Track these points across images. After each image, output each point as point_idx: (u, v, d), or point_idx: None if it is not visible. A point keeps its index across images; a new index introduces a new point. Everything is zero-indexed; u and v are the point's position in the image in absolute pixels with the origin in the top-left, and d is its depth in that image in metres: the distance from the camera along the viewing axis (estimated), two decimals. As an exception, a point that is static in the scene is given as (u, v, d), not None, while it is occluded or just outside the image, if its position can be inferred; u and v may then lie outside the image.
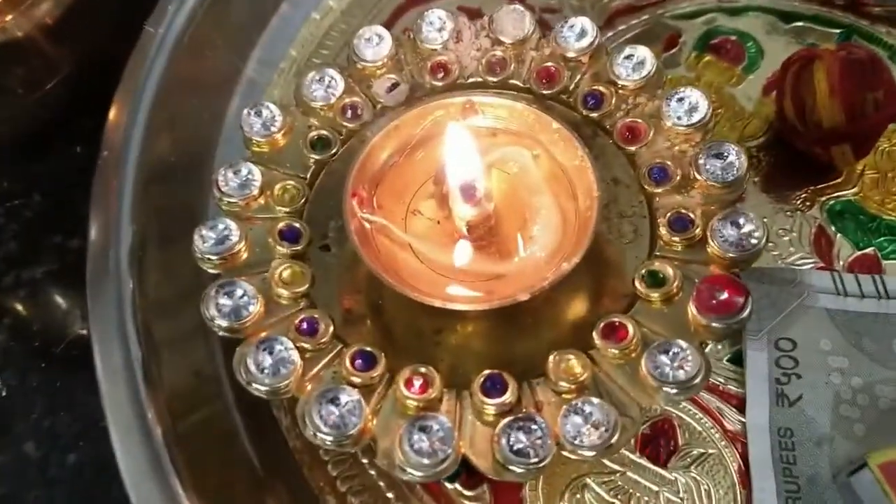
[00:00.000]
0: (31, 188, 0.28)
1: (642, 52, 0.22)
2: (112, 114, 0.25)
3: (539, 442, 0.17)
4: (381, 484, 0.22)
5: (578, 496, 0.21)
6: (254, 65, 0.28)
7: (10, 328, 0.26)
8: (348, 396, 0.17)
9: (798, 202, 0.25)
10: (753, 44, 0.28)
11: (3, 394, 0.25)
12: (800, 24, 0.28)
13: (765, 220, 0.23)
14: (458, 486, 0.21)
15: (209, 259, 0.20)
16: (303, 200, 0.21)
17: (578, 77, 0.22)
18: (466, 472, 0.21)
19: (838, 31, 0.28)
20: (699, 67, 0.28)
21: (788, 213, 0.24)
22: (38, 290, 0.27)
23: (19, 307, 0.27)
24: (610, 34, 0.28)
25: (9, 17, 0.26)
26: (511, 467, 0.17)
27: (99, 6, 0.28)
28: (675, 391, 0.18)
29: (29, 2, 0.26)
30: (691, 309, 0.18)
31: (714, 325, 0.18)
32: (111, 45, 0.26)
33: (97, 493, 0.23)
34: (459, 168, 0.19)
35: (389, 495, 0.21)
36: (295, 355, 0.18)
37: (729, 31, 0.28)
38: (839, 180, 0.25)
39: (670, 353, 0.17)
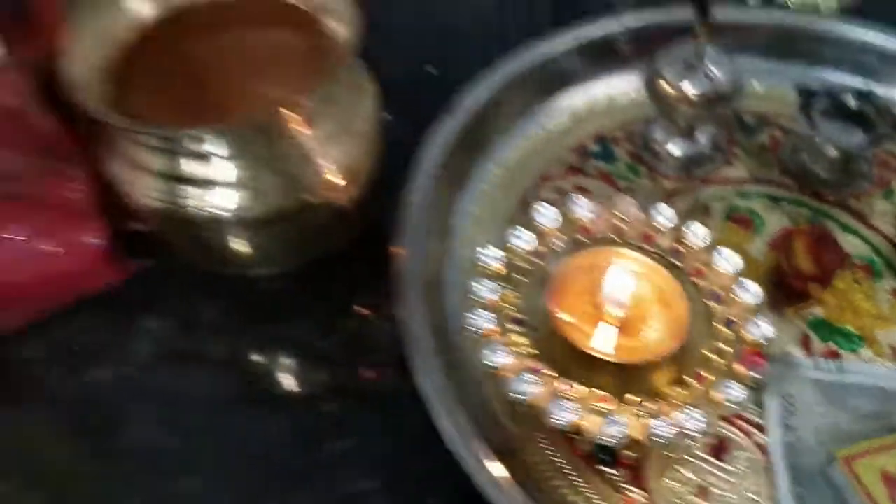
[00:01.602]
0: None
1: (703, 229, 0.39)
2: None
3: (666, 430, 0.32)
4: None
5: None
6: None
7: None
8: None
9: (790, 316, 0.41)
10: (758, 217, 0.45)
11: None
12: (787, 204, 0.46)
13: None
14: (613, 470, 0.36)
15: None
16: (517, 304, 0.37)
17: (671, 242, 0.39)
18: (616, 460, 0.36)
19: (809, 210, 0.45)
20: (726, 232, 0.45)
21: (785, 322, 0.41)
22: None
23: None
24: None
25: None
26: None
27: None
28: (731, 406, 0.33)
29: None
30: (739, 369, 0.34)
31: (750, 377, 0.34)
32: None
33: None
34: (613, 288, 0.36)
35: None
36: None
37: (742, 208, 0.46)
38: (813, 303, 0.41)
39: (729, 388, 0.33)
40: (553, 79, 0.49)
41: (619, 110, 0.50)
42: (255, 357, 0.41)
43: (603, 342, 0.36)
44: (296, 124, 0.36)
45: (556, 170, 0.47)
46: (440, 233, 0.43)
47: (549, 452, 0.36)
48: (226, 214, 0.36)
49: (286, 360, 0.41)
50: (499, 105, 0.47)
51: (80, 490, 0.37)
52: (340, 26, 0.37)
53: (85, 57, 0.36)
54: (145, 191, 0.36)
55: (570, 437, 0.36)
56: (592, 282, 0.37)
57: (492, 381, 0.36)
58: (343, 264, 0.43)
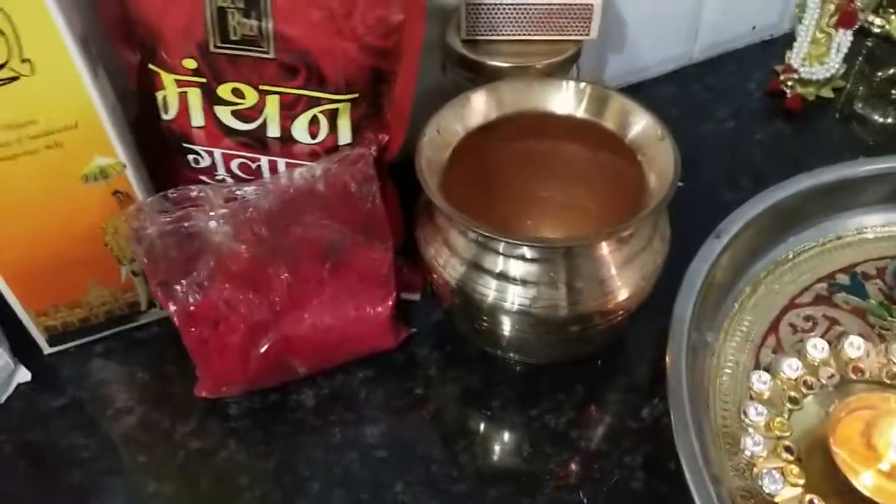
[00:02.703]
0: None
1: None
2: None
3: None
4: None
5: None
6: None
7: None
8: None
9: None
10: None
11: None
12: None
13: None
14: None
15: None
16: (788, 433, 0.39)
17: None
18: None
19: None
20: None
21: None
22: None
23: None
24: None
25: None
26: None
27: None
28: None
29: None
30: None
31: None
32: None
33: None
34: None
35: None
36: None
37: None
38: None
39: None
40: (807, 207, 0.51)
41: (870, 244, 0.51)
42: (511, 433, 0.44)
43: (874, 485, 0.36)
44: (609, 244, 0.39)
45: (806, 297, 0.48)
46: (698, 348, 0.45)
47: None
48: (517, 309, 0.40)
49: (538, 442, 0.43)
50: (758, 229, 0.49)
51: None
52: (655, 162, 0.41)
53: (431, 152, 0.41)
54: (452, 272, 0.41)
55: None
56: (869, 423, 0.38)
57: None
58: (597, 362, 0.46)
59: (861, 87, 0.66)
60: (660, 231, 0.42)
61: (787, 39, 0.68)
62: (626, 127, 0.43)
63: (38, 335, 0.45)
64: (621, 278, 0.40)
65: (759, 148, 0.61)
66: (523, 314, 0.40)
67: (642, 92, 0.66)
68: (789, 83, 0.64)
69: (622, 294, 0.40)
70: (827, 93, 0.64)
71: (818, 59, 0.63)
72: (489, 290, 0.40)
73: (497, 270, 0.40)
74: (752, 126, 0.63)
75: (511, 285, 0.39)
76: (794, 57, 0.63)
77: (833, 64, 0.62)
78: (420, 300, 0.49)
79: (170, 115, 0.43)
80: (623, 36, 0.63)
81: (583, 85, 0.44)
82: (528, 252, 0.39)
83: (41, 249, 0.42)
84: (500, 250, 0.39)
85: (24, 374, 0.45)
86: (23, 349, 0.46)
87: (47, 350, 0.46)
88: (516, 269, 0.39)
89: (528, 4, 0.48)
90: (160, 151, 0.45)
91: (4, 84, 0.36)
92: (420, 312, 0.48)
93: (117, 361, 0.46)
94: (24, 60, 0.36)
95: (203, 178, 0.45)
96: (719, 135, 0.62)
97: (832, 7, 0.62)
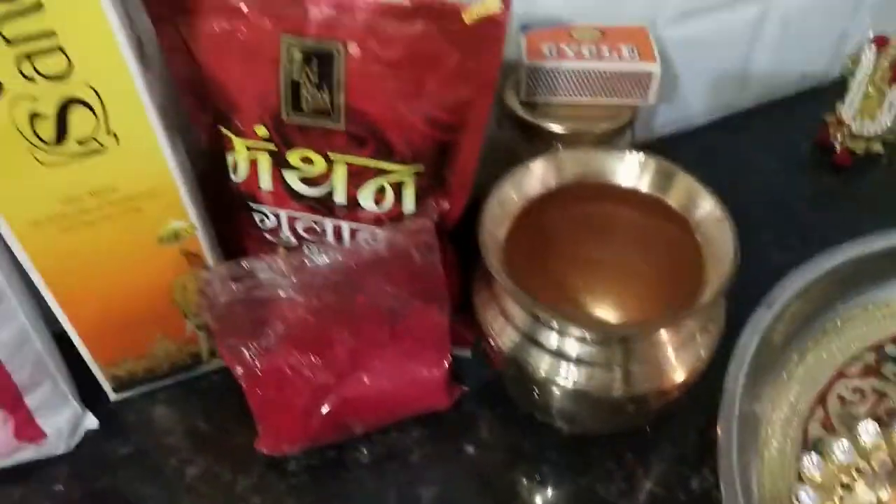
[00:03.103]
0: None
1: None
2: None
3: None
4: None
5: None
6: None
7: None
8: None
9: None
10: None
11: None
12: None
13: None
14: None
15: None
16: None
17: None
18: None
19: None
20: None
21: None
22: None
23: None
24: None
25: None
26: None
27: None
28: None
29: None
30: None
31: None
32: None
33: None
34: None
35: None
36: None
37: None
38: None
39: None
40: (856, 275, 0.51)
41: (919, 314, 0.51)
42: (562, 500, 0.45)
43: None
44: (666, 330, 0.40)
45: (854, 368, 0.49)
46: (747, 419, 0.45)
47: None
48: (570, 387, 0.40)
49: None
50: (807, 297, 0.49)
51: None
52: (713, 242, 0.41)
53: (492, 225, 0.42)
54: (507, 342, 0.42)
55: None
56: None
57: None
58: (646, 430, 0.47)
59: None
60: (716, 312, 0.42)
61: (836, 87, 0.68)
62: (689, 205, 0.43)
63: (105, 383, 0.47)
64: (678, 360, 0.40)
65: (808, 204, 0.61)
66: (576, 392, 0.41)
67: (690, 140, 0.66)
68: (839, 137, 0.64)
69: (679, 376, 0.40)
70: (877, 147, 0.65)
71: (869, 114, 0.63)
72: (543, 364, 0.41)
73: (552, 347, 0.40)
74: (801, 179, 0.63)
75: (565, 362, 0.40)
76: (845, 111, 0.63)
77: (885, 120, 0.62)
78: (472, 356, 0.50)
79: (239, 176, 0.44)
80: (674, 86, 0.63)
81: (645, 157, 0.44)
82: (584, 333, 0.40)
83: (113, 305, 0.43)
84: (556, 327, 0.40)
85: (91, 421, 0.47)
86: (89, 395, 0.47)
87: (113, 397, 0.48)
88: (571, 347, 0.40)
89: (587, 70, 0.49)
90: (227, 208, 0.46)
91: (90, 155, 0.38)
92: (472, 368, 0.49)
93: (180, 409, 0.48)
94: (110, 133, 0.37)
95: (268, 236, 0.46)
96: (768, 188, 0.62)
97: (886, 64, 0.62)
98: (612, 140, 0.51)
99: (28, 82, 0.34)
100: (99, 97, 0.36)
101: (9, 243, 0.39)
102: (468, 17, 0.38)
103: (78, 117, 0.36)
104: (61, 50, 0.34)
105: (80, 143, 0.37)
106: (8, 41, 0.33)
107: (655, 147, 0.68)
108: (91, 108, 0.36)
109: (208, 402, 0.48)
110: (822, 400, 0.48)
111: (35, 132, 0.36)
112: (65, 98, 0.35)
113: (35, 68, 0.34)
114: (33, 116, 0.35)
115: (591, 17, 0.54)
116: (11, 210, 0.38)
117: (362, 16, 0.38)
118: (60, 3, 0.33)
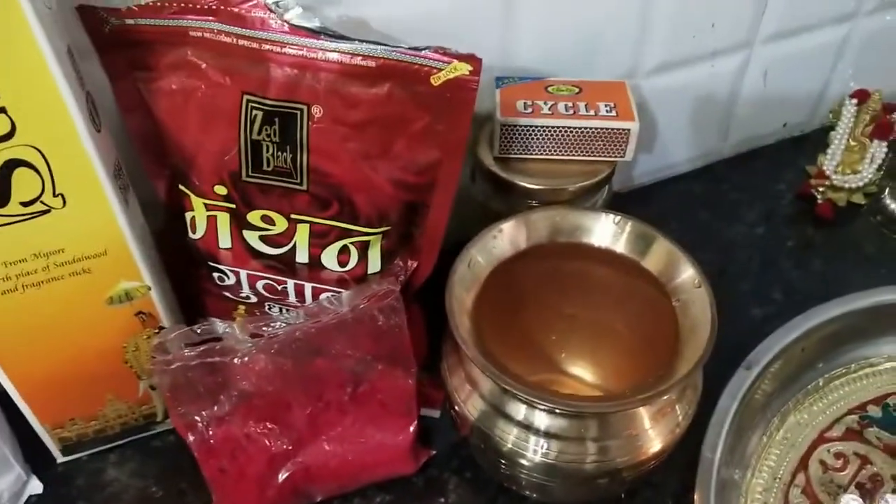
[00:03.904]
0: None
1: None
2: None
3: None
4: None
5: None
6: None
7: None
8: None
9: None
10: None
11: None
12: None
13: None
14: None
15: None
16: None
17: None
18: None
19: None
20: None
21: None
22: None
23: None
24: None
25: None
26: None
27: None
28: None
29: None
30: None
31: None
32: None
33: None
34: None
35: None
36: None
37: None
38: None
39: None
40: (838, 333, 0.50)
41: (902, 375, 0.50)
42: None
43: None
44: (642, 403, 0.38)
45: (836, 431, 0.47)
46: (726, 485, 0.43)
47: None
48: (538, 460, 0.39)
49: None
50: (787, 357, 0.48)
51: None
52: (690, 307, 0.40)
53: (461, 289, 0.40)
54: (474, 410, 0.40)
55: None
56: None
57: None
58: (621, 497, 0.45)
59: (893, 192, 0.65)
60: (694, 377, 0.41)
61: (819, 135, 0.67)
62: (666, 270, 0.42)
63: (52, 445, 0.45)
64: (654, 430, 0.39)
65: (789, 255, 0.60)
66: (545, 465, 0.39)
67: (670, 188, 0.65)
68: (821, 189, 0.63)
69: (654, 446, 0.39)
70: (858, 199, 0.64)
71: (851, 167, 0.62)
72: (509, 436, 0.39)
73: (519, 418, 0.39)
74: (782, 231, 0.62)
75: (534, 436, 0.38)
76: (827, 164, 0.62)
77: (867, 174, 0.62)
78: (440, 417, 0.48)
79: (197, 234, 0.42)
80: (654, 135, 0.62)
81: (620, 219, 0.43)
82: (547, 405, 0.38)
83: (60, 367, 0.41)
84: (524, 399, 0.38)
85: (36, 486, 0.44)
86: (36, 456, 0.45)
87: (60, 459, 0.46)
88: (540, 420, 0.38)
89: (563, 128, 0.47)
90: (186, 265, 0.44)
91: (35, 217, 0.36)
92: (441, 429, 0.47)
93: (132, 472, 0.45)
94: (56, 195, 0.36)
95: (227, 294, 0.44)
96: (749, 240, 0.61)
97: (867, 118, 0.61)
98: (589, 196, 0.49)
99: (-33, 144, 0.33)
100: (45, 158, 0.34)
101: (-53, 304, 0.37)
102: (436, 80, 0.37)
103: (22, 179, 0.34)
104: (3, 111, 0.32)
105: (25, 204, 0.35)
106: (-55, 102, 0.31)
107: (635, 196, 0.67)
108: (36, 170, 0.34)
109: (163, 463, 0.46)
110: (803, 465, 0.46)
111: (-25, 194, 0.34)
112: (7, 160, 0.33)
113: (-25, 130, 0.32)
114: (-27, 178, 0.34)
115: (569, 67, 0.53)
116: (-50, 271, 0.36)
117: (326, 77, 0.37)
118: (3, 61, 0.31)
